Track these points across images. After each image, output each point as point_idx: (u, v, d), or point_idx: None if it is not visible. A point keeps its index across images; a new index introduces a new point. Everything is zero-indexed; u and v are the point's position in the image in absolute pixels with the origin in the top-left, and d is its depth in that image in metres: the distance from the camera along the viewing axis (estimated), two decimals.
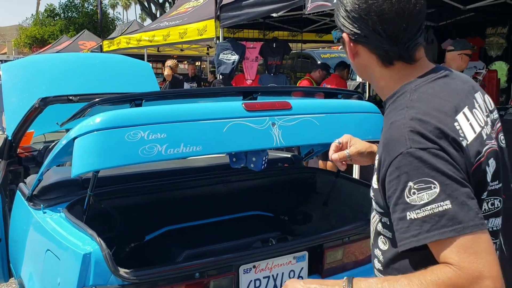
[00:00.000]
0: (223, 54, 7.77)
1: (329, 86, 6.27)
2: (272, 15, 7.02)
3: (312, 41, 9.56)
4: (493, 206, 1.10)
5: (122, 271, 1.73)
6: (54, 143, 3.78)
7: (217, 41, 7.88)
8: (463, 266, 0.92)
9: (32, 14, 42.61)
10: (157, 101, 2.07)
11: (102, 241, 1.76)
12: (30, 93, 4.00)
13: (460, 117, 1.05)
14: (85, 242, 1.78)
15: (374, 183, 1.12)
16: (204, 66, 16.71)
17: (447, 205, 0.94)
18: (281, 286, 2.11)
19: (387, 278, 1.03)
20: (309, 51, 10.66)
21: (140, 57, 11.66)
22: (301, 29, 8.57)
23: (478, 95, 1.17)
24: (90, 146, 1.71)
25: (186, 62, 16.47)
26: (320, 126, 2.10)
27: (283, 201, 2.93)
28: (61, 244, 1.87)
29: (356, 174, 5.37)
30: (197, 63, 15.72)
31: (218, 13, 7.75)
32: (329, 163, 6.12)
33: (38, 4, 52.55)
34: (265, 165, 2.14)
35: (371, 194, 1.18)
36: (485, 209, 1.08)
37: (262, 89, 2.27)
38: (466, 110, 1.08)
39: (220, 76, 8.04)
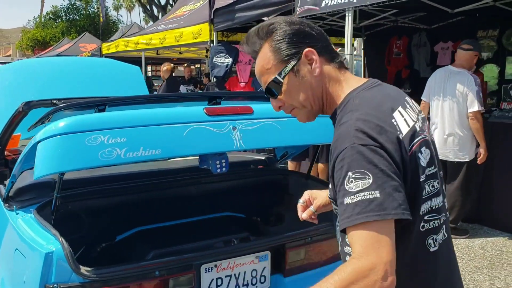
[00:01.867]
0: (217, 57, 7.87)
1: None
2: (263, 19, 7.12)
3: None
4: (433, 188, 1.25)
5: (84, 269, 1.82)
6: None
7: (211, 45, 7.98)
8: (362, 256, 1.07)
9: (34, 17, 42.95)
10: (122, 106, 2.15)
11: (64, 241, 1.85)
12: (18, 97, 4.10)
13: (396, 114, 1.23)
14: (49, 242, 1.87)
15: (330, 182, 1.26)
16: (204, 68, 16.81)
17: (376, 194, 1.10)
18: (243, 284, 2.19)
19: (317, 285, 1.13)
20: None
21: (139, 60, 11.81)
22: None
23: (408, 99, 1.35)
24: (51, 150, 1.79)
25: (186, 64, 16.56)
26: (281, 130, 2.17)
27: (256, 202, 3.01)
28: (27, 243, 1.96)
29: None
30: (196, 66, 15.82)
31: (212, 16, 7.86)
32: (320, 166, 6.19)
33: (42, 6, 52.97)
34: (224, 168, 2.21)
35: (328, 194, 1.36)
36: (427, 191, 1.23)
37: (227, 94, 2.35)
38: (400, 109, 1.25)
39: (214, 79, 8.14)
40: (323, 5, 5.68)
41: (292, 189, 2.96)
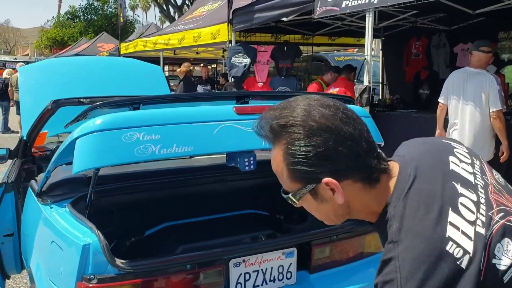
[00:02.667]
0: (235, 57, 7.94)
1: (337, 89, 6.37)
2: (283, 19, 7.18)
3: (324, 44, 9.67)
4: None
5: (119, 261, 1.89)
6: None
7: (230, 45, 8.06)
8: None
9: (53, 17, 43.55)
10: (154, 105, 2.23)
11: (100, 234, 1.93)
12: (44, 95, 4.20)
13: (449, 231, 0.94)
14: (85, 234, 1.95)
15: None
16: (220, 68, 16.91)
17: None
18: (270, 280, 2.25)
19: None
20: (323, 54, 10.76)
21: (157, 60, 11.94)
22: (313, 33, 8.69)
23: (453, 158, 1.06)
24: (90, 146, 1.87)
25: (202, 64, 16.69)
26: None
27: (279, 200, 3.06)
28: (64, 236, 2.04)
29: None
30: (213, 66, 15.94)
31: (231, 17, 7.94)
32: None
33: (59, 6, 53.69)
34: (252, 166, 2.27)
35: None
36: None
37: (254, 94, 2.40)
38: (451, 215, 0.96)
39: (232, 79, 8.22)
40: (343, 5, 5.71)
41: None
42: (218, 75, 14.25)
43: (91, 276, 1.88)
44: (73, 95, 3.33)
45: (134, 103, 2.07)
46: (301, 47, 8.28)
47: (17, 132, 12.99)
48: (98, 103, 2.08)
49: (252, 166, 2.23)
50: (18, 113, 12.31)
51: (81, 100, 3.28)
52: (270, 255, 2.23)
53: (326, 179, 0.99)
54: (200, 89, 10.77)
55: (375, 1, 5.30)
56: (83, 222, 2.03)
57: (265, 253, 2.21)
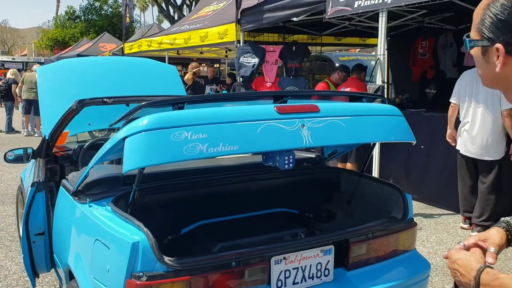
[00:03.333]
0: (244, 57, 7.95)
1: (348, 89, 6.40)
2: (293, 19, 7.20)
3: (331, 44, 9.70)
4: None
5: (167, 259, 1.92)
6: (88, 143, 4.00)
7: (238, 45, 8.07)
8: None
9: (53, 17, 43.30)
10: (197, 104, 2.25)
11: (148, 232, 1.95)
12: (63, 95, 4.22)
13: None
14: (133, 232, 1.97)
15: None
16: (223, 68, 16.94)
17: None
18: (309, 277, 2.27)
19: (502, 275, 1.13)
20: (327, 54, 10.80)
21: (161, 59, 11.92)
22: (321, 33, 8.72)
23: None
24: (139, 145, 1.89)
25: (204, 64, 16.70)
26: (346, 128, 2.25)
27: (308, 199, 3.09)
28: (110, 234, 2.06)
29: (375, 173, 5.52)
30: (216, 65, 15.95)
31: (239, 17, 7.96)
32: (348, 165, 6.25)
33: (57, 7, 53.52)
34: (292, 165, 2.29)
35: None
36: None
37: (291, 93, 2.43)
38: None
39: (240, 78, 8.23)
40: (355, 5, 5.74)
41: (344, 187, 3.04)
42: (225, 75, 14.27)
43: (141, 274, 1.90)
44: (93, 94, 3.34)
45: (178, 102, 2.09)
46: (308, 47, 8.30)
47: (20, 132, 12.99)
48: (144, 103, 2.10)
49: (291, 165, 2.25)
50: (28, 112, 12.31)
51: (105, 100, 3.30)
52: (309, 253, 2.25)
53: (498, 45, 1.16)
54: (207, 89, 10.78)
55: (389, 1, 5.33)
56: (130, 220, 2.04)
57: (304, 250, 2.23)
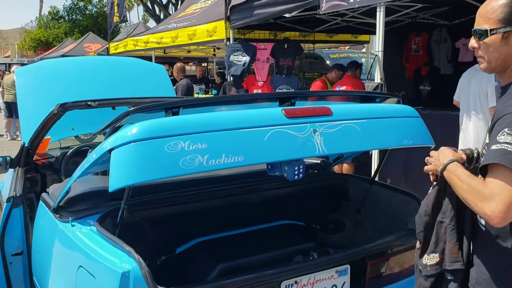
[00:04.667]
0: (234, 55, 7.68)
1: (344, 88, 6.15)
2: (285, 15, 6.92)
3: (323, 41, 9.45)
4: None
5: None
6: (72, 150, 3.69)
7: (228, 43, 7.78)
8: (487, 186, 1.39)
9: (36, 17, 42.38)
10: (193, 108, 1.97)
11: (140, 259, 1.67)
12: (44, 98, 3.91)
13: None
14: (123, 259, 1.69)
15: (486, 139, 1.55)
16: (211, 67, 16.62)
17: None
18: None
19: (463, 170, 1.52)
20: (318, 51, 10.55)
21: (148, 59, 11.60)
22: (313, 29, 8.46)
23: None
24: (128, 158, 1.60)
25: (191, 63, 16.38)
26: (362, 132, 2.00)
27: (314, 209, 2.82)
28: (96, 261, 1.77)
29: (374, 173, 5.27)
30: (203, 64, 15.64)
31: (228, 14, 7.66)
32: (344, 166, 6.01)
33: (40, 7, 52.56)
34: (302, 175, 2.03)
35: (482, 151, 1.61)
36: None
37: (297, 94, 2.16)
38: None
39: (231, 77, 7.96)
40: (351, 0, 5.48)
41: (353, 194, 2.78)
42: (214, 74, 13.98)
43: None
44: (77, 97, 3.08)
45: (173, 107, 1.80)
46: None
47: (2, 136, 12.54)
48: (133, 108, 1.81)
49: (301, 175, 1.98)
50: (9, 116, 11.87)
51: (89, 103, 3.03)
52: (323, 274, 1.99)
53: None
54: (194, 88, 10.48)
55: None
56: (119, 244, 1.75)
57: (318, 272, 1.97)
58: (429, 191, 1.74)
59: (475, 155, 1.70)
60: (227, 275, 1.99)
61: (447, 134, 5.20)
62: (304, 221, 2.81)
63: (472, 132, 4.78)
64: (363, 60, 10.41)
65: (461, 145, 5.12)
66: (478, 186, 1.42)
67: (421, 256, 1.65)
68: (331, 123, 1.93)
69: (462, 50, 7.67)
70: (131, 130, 1.64)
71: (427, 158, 1.73)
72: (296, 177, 1.98)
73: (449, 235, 1.60)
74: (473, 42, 1.61)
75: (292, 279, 1.90)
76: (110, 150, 1.67)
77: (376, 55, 5.48)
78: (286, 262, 2.09)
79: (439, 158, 1.62)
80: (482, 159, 1.49)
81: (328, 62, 10.38)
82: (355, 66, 6.42)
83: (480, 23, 1.56)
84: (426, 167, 1.72)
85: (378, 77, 5.39)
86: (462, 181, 1.48)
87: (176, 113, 1.81)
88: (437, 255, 1.61)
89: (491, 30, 1.52)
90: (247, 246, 2.38)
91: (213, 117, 1.77)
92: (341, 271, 2.04)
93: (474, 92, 4.71)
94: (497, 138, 1.40)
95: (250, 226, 2.57)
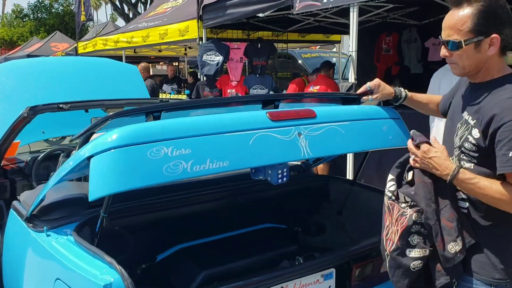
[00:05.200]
0: (207, 55, 7.60)
1: (317, 88, 6.16)
2: (259, 15, 6.88)
3: (295, 41, 9.47)
4: None
5: None
6: (43, 154, 3.55)
7: (200, 42, 7.69)
8: None
9: None
10: (175, 112, 1.90)
11: (122, 270, 1.59)
12: (12, 101, 3.76)
13: None
14: (103, 271, 1.61)
15: (475, 134, 1.64)
16: (182, 66, 16.43)
17: None
18: None
19: (478, 176, 1.61)
20: (290, 51, 10.56)
21: (118, 59, 11.38)
22: (285, 29, 8.46)
23: None
24: (108, 166, 1.53)
25: (162, 63, 16.17)
26: (345, 134, 1.98)
27: (295, 211, 2.79)
28: (74, 273, 1.68)
29: (349, 174, 5.29)
30: (174, 64, 15.44)
31: (201, 13, 7.57)
32: (319, 167, 6.02)
33: (3, 5, 50.90)
34: (286, 178, 1.99)
35: (466, 145, 1.67)
36: None
37: (280, 97, 2.13)
38: None
39: (204, 77, 7.87)
40: (325, 0, 5.49)
41: (334, 196, 2.76)
42: (185, 74, 13.83)
43: None
44: (48, 99, 2.97)
45: (154, 111, 1.73)
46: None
47: None
48: (113, 113, 1.73)
49: (285, 178, 1.94)
50: None
51: (61, 105, 2.93)
52: (309, 279, 1.97)
53: (495, 35, 1.59)
54: (166, 88, 10.34)
55: None
56: (98, 255, 1.67)
57: (304, 277, 1.94)
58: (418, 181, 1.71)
59: (403, 95, 2.09)
60: (210, 282, 1.94)
61: (419, 131, 5.25)
62: (285, 224, 2.77)
63: (443, 129, 4.84)
64: (334, 59, 10.48)
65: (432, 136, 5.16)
66: (507, 191, 1.54)
67: (444, 247, 1.64)
68: (316, 125, 1.90)
69: (431, 49, 7.80)
70: (111, 136, 1.56)
71: (412, 155, 1.76)
72: (280, 180, 1.94)
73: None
74: (444, 52, 1.69)
75: (278, 285, 1.86)
76: (89, 158, 1.58)
77: (350, 55, 5.50)
78: (271, 268, 2.05)
79: (438, 167, 1.66)
80: (497, 165, 1.57)
81: (300, 61, 10.40)
82: (329, 66, 6.44)
83: (451, 34, 1.62)
84: (417, 165, 1.74)
85: (352, 77, 5.41)
86: (484, 189, 1.57)
87: (158, 118, 1.74)
88: (459, 240, 1.63)
89: (465, 41, 1.59)
90: (229, 252, 2.33)
91: (197, 121, 1.71)
92: (327, 275, 2.02)
93: (444, 92, 4.77)
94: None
95: (232, 231, 2.52)
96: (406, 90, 2.18)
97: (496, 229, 1.64)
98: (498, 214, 1.61)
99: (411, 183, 1.75)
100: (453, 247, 1.63)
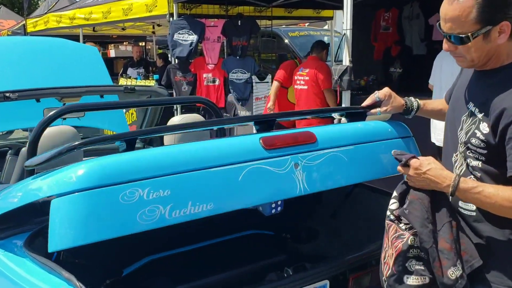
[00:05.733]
0: (179, 34, 7.56)
1: (307, 71, 6.17)
2: None
3: (281, 18, 9.46)
4: None
5: None
6: None
7: (171, 19, 7.65)
8: None
9: None
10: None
11: (83, 287, 1.58)
12: None
13: None
14: None
15: (483, 129, 1.65)
16: (150, 47, 16.32)
17: None
18: None
19: (482, 184, 1.63)
20: (275, 29, 10.55)
21: (74, 38, 11.24)
22: (269, 3, 8.44)
23: None
24: (73, 213, 1.50)
25: (126, 43, 16.02)
26: (349, 162, 2.01)
27: (283, 216, 2.80)
28: None
29: None
30: (141, 44, 15.32)
31: None
32: None
33: None
34: (280, 208, 2.07)
35: (473, 141, 1.68)
36: None
37: (276, 116, 2.14)
38: None
39: (176, 60, 7.84)
40: None
41: (326, 197, 2.77)
42: (153, 55, 13.73)
43: None
44: None
45: (128, 138, 1.71)
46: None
47: None
48: (77, 143, 1.71)
49: (279, 208, 2.01)
50: None
51: (7, 94, 2.91)
52: None
53: (505, 22, 1.58)
54: (132, 72, 10.25)
55: None
56: (55, 270, 1.66)
57: None
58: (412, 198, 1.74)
59: (415, 106, 2.11)
60: None
61: (419, 120, 5.31)
62: (272, 230, 2.79)
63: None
64: (325, 38, 10.51)
65: (432, 132, 5.25)
66: None
67: (442, 273, 1.64)
68: (315, 153, 1.92)
69: (436, 27, 7.87)
70: (76, 173, 1.53)
71: (402, 168, 1.77)
72: (273, 211, 2.00)
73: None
74: (449, 46, 1.69)
75: None
76: (50, 197, 1.55)
77: (344, 34, 5.52)
78: (256, 281, 2.06)
79: (436, 180, 1.67)
80: (509, 164, 1.57)
81: (286, 41, 10.40)
82: (321, 46, 6.44)
83: (453, 28, 1.62)
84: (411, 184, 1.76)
85: (347, 59, 5.44)
86: (490, 197, 1.58)
87: (132, 148, 1.71)
88: (459, 264, 1.64)
89: (472, 34, 1.60)
90: (209, 263, 2.34)
91: (178, 153, 1.71)
92: None
93: (446, 75, 4.82)
94: None
95: (211, 239, 2.52)
96: (417, 100, 2.17)
97: (507, 229, 1.66)
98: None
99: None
100: (454, 273, 1.62)
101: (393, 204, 1.80)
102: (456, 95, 1.87)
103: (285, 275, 2.17)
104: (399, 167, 1.77)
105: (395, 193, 1.82)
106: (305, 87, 6.26)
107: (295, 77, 6.41)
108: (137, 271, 2.32)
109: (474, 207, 1.72)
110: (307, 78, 6.22)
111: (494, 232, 1.68)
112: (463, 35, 1.61)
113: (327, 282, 2.05)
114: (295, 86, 6.43)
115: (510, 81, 1.63)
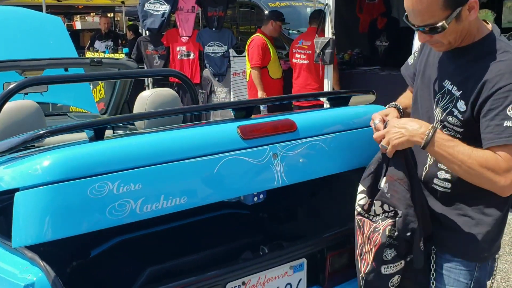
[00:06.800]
0: (149, 3, 7.54)
1: (308, 44, 6.09)
2: None
3: None
4: None
5: None
6: None
7: None
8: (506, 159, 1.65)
9: None
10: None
11: (47, 266, 1.61)
12: None
13: None
14: (24, 269, 1.62)
15: (461, 107, 1.76)
16: (119, 18, 16.14)
17: None
18: None
19: (455, 140, 1.73)
20: None
21: (37, 9, 11.06)
22: None
23: None
24: (38, 207, 1.50)
25: (93, 14, 15.83)
26: (329, 151, 2.06)
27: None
28: None
29: None
30: (109, 15, 15.14)
31: None
32: None
33: None
34: (263, 196, 2.09)
35: (450, 119, 1.80)
36: None
37: (255, 102, 2.16)
38: None
39: (147, 32, 7.79)
40: None
41: None
42: (123, 27, 13.58)
43: None
44: None
45: (98, 127, 1.72)
46: None
47: None
48: (44, 131, 1.71)
49: (262, 196, 2.06)
50: None
51: None
52: (275, 272, 2.05)
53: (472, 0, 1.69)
54: (99, 45, 10.15)
55: None
56: (18, 250, 1.68)
57: (270, 269, 2.02)
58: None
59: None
60: (158, 280, 1.98)
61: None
62: (249, 209, 2.83)
63: None
64: (308, 10, 10.50)
65: None
66: (493, 160, 1.65)
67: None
68: (294, 142, 1.97)
69: (404, 21, 7.91)
70: (42, 163, 1.52)
71: (375, 123, 1.89)
72: (256, 199, 2.05)
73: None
74: (424, 37, 1.76)
75: (239, 280, 1.93)
76: (14, 191, 1.55)
77: (326, 4, 5.55)
78: (231, 260, 2.11)
79: (410, 129, 1.75)
80: (487, 136, 1.67)
81: (266, 12, 10.37)
82: (319, 15, 6.38)
83: (426, 20, 1.69)
84: (381, 140, 1.84)
85: (329, 31, 5.48)
86: (468, 156, 1.66)
87: (101, 137, 1.72)
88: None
89: (446, 20, 1.67)
90: (182, 243, 2.38)
91: (151, 143, 1.72)
92: (296, 267, 2.10)
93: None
94: (508, 112, 1.62)
95: (183, 219, 2.56)
96: (396, 103, 2.08)
97: (480, 205, 1.81)
98: (482, 191, 1.73)
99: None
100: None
101: (361, 200, 1.88)
102: (428, 74, 1.94)
103: (261, 253, 2.23)
104: (375, 129, 1.87)
105: (362, 188, 1.89)
106: (306, 61, 6.24)
107: (294, 50, 6.37)
108: (106, 252, 2.35)
109: (449, 185, 1.85)
110: (309, 51, 6.19)
111: (468, 210, 1.83)
112: (438, 24, 1.68)
113: (304, 260, 2.11)
114: (294, 60, 6.39)
115: (486, 56, 1.73)
